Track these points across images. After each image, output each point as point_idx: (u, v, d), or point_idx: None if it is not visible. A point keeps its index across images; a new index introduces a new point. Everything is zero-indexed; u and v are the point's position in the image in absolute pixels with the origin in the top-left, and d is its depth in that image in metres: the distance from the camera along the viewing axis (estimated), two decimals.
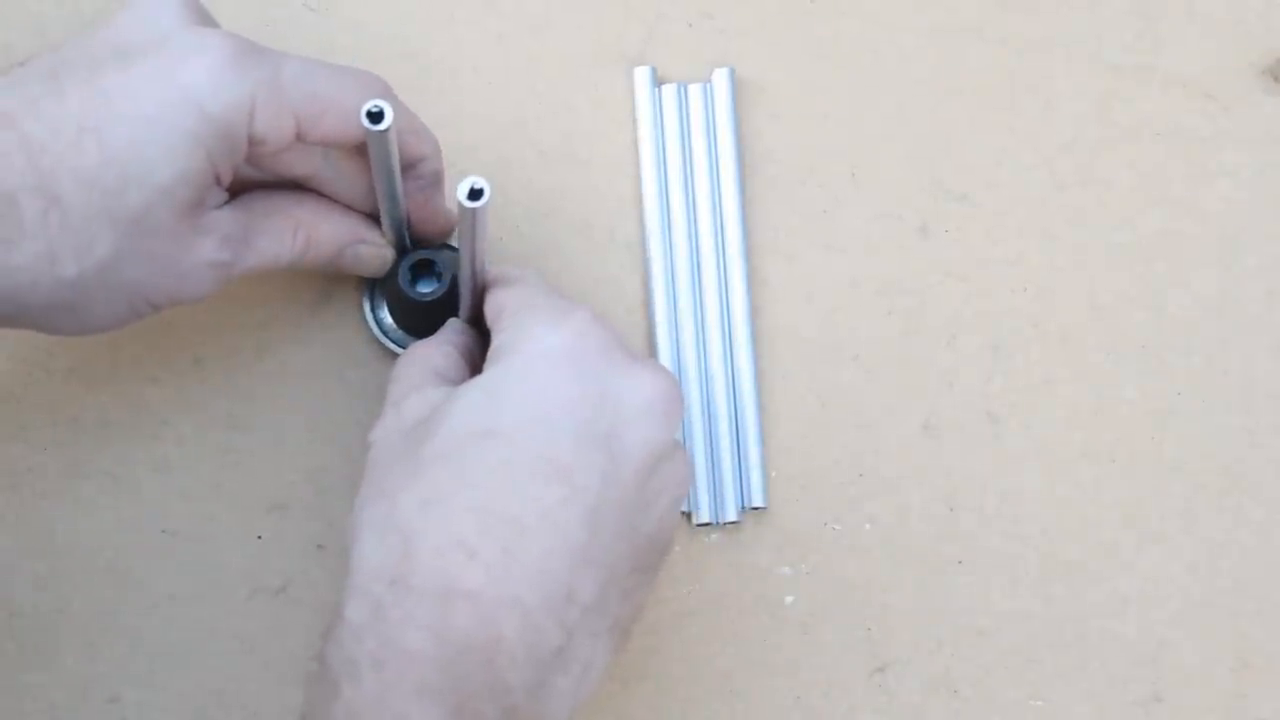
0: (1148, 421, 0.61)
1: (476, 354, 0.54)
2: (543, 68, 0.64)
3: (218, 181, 0.50)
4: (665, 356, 0.60)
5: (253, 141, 0.50)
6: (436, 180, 0.56)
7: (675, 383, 0.49)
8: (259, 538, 0.58)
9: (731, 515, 0.59)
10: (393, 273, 0.57)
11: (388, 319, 0.60)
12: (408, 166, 0.54)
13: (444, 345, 0.54)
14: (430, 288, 0.57)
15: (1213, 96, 0.65)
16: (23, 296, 0.48)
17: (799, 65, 0.64)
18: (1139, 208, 0.64)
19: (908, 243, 0.63)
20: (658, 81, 0.63)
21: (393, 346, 0.59)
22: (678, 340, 0.61)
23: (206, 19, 0.52)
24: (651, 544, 0.48)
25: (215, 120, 0.48)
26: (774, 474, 0.60)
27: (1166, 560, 0.60)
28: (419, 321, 0.59)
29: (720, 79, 0.63)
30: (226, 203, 0.52)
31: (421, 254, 0.57)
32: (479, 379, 0.48)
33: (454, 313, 0.58)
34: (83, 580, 0.58)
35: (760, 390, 0.61)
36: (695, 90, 0.63)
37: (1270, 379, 0.62)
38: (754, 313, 0.61)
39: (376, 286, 0.60)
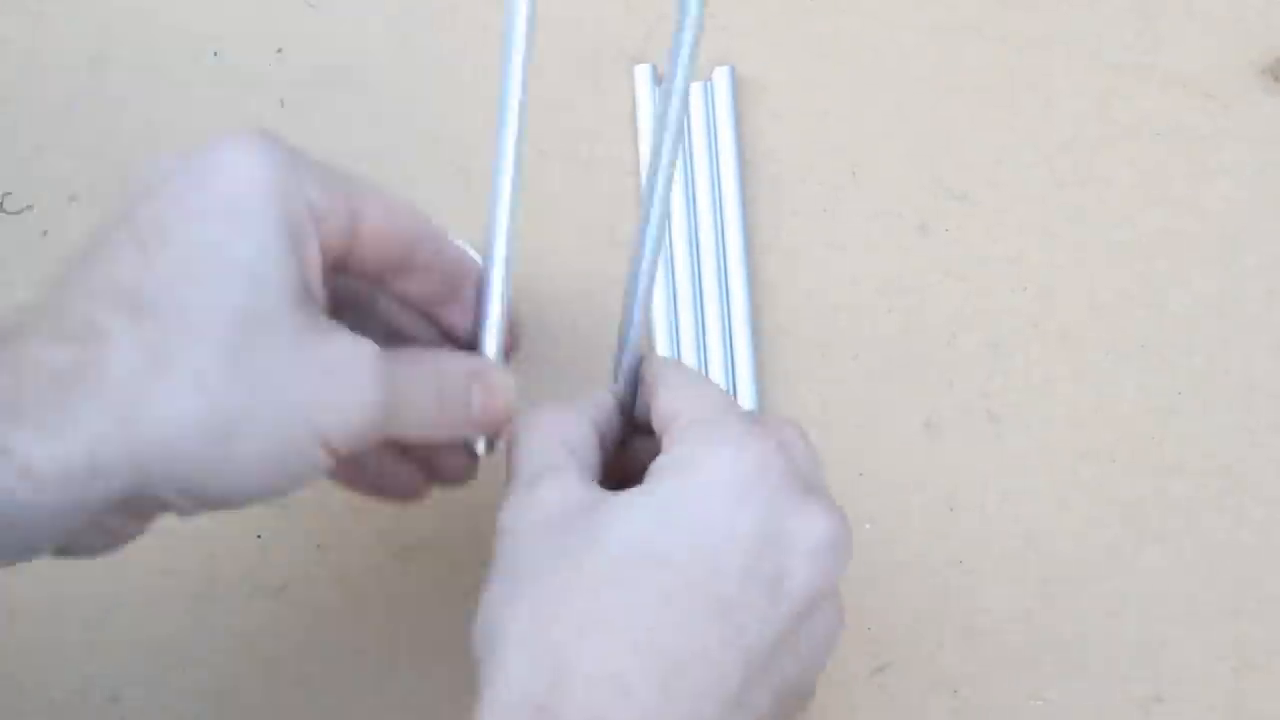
0: (1148, 421, 0.61)
1: (614, 435, 0.51)
2: (543, 66, 0.64)
3: (307, 267, 0.44)
4: (665, 356, 0.60)
5: (312, 210, 0.44)
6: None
7: (848, 525, 0.46)
8: (259, 537, 0.58)
9: None
10: None
11: None
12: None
13: (579, 418, 0.49)
14: None
15: (1212, 95, 0.65)
16: (139, 413, 0.39)
17: (799, 63, 0.64)
18: (1139, 206, 0.64)
19: (908, 241, 0.63)
20: (658, 79, 0.63)
21: None
22: (678, 340, 0.61)
23: None
24: (793, 690, 0.45)
25: (272, 184, 0.43)
26: None
27: (1166, 560, 0.60)
28: None
29: (721, 77, 0.63)
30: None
31: None
32: (648, 493, 0.45)
33: None
34: (81, 578, 0.57)
35: (760, 390, 0.60)
36: (696, 88, 0.63)
37: (1270, 379, 0.62)
38: (754, 312, 0.61)
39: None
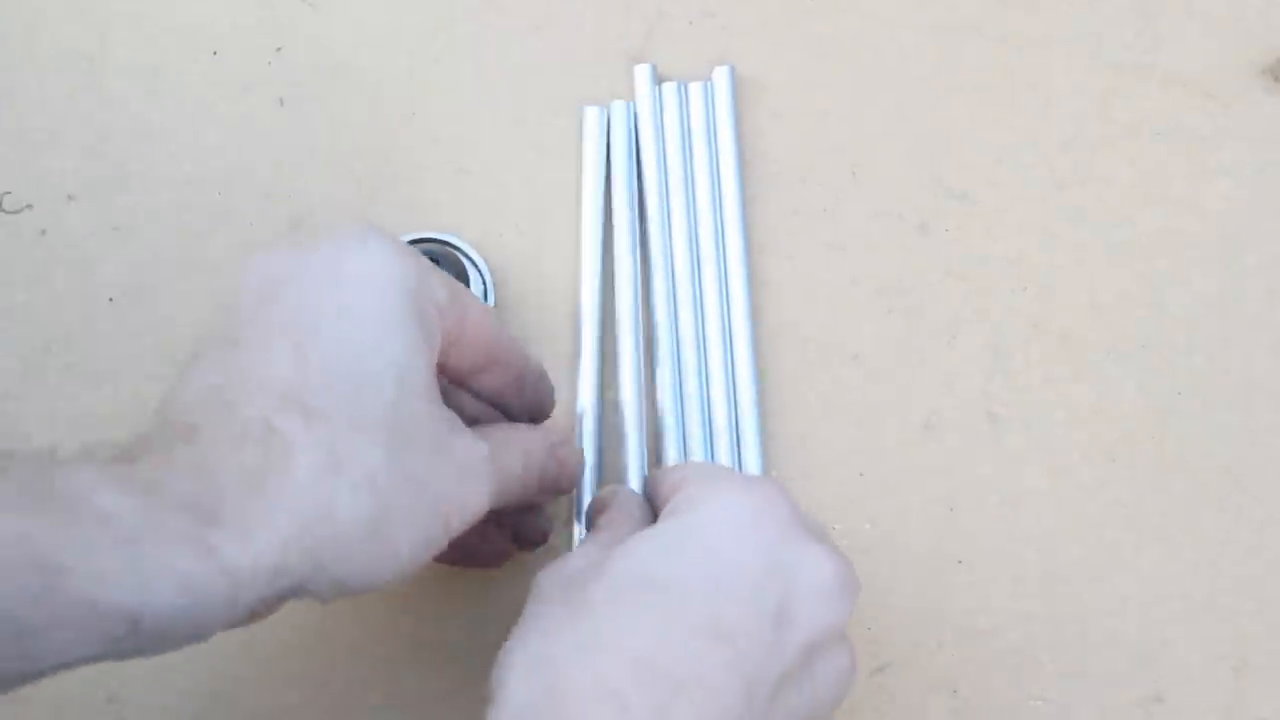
0: (1148, 421, 0.61)
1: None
2: (544, 65, 0.64)
3: (433, 360, 0.46)
4: (665, 356, 0.60)
5: (439, 308, 0.46)
6: (544, 381, 0.55)
7: (852, 569, 0.47)
8: None
9: None
10: None
11: None
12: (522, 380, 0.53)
13: (623, 511, 0.52)
14: None
15: (1212, 95, 0.65)
16: (324, 513, 0.41)
17: (799, 63, 0.64)
18: (1139, 206, 0.64)
19: (908, 241, 0.63)
20: (658, 79, 0.63)
21: None
22: (678, 339, 0.61)
23: None
24: None
25: (407, 282, 0.45)
26: (774, 474, 0.60)
27: (1166, 560, 0.60)
28: None
29: (721, 77, 0.63)
30: None
31: (424, 253, 0.57)
32: (653, 529, 0.46)
33: None
34: None
35: (760, 390, 0.60)
36: (696, 88, 0.63)
37: (1270, 378, 0.62)
38: (754, 312, 0.61)
39: None
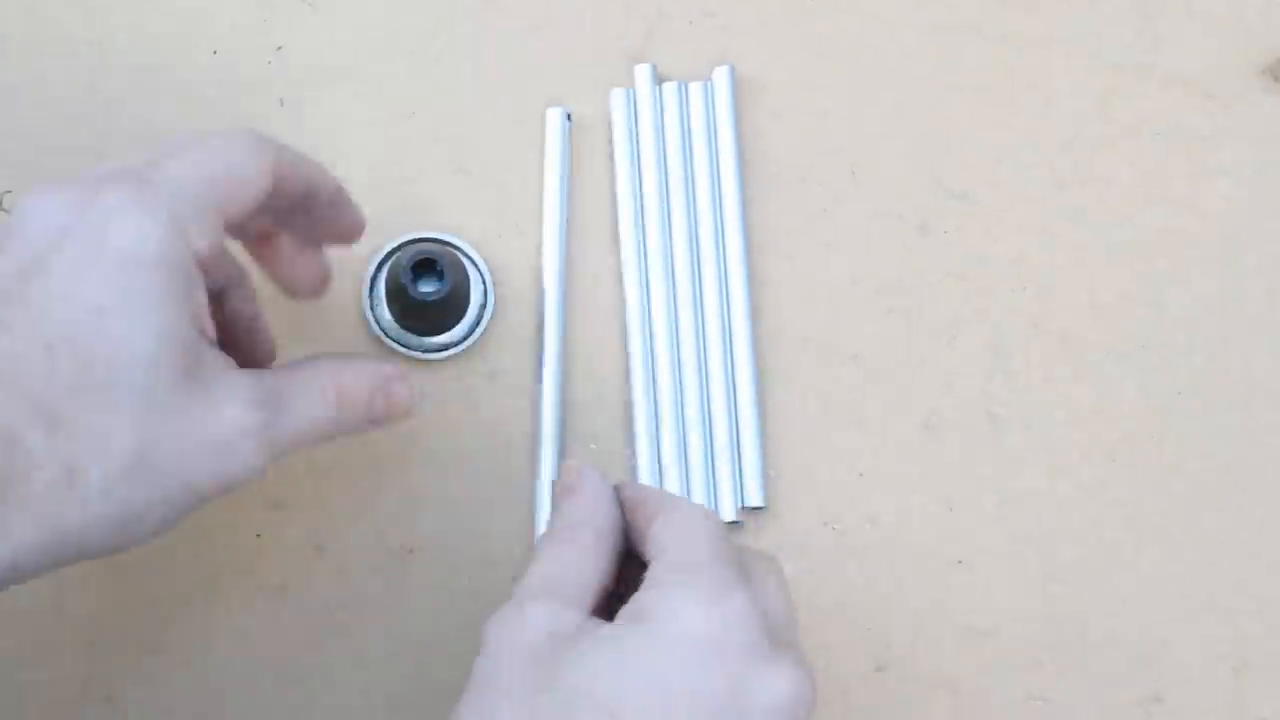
0: (1148, 421, 0.61)
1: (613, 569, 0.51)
2: (544, 65, 0.64)
3: (204, 334, 0.46)
4: (664, 356, 0.60)
5: (203, 262, 0.46)
6: (341, 199, 0.53)
7: (812, 683, 0.45)
8: (258, 536, 0.58)
9: (730, 515, 0.59)
10: (394, 271, 0.57)
11: (387, 316, 0.60)
12: (314, 197, 0.51)
13: (597, 545, 0.50)
14: (432, 287, 0.57)
15: (1212, 95, 0.65)
16: (57, 524, 0.43)
17: (799, 63, 0.64)
18: (1139, 206, 0.64)
19: (908, 241, 0.63)
20: (658, 79, 0.63)
21: (392, 344, 0.59)
22: (677, 339, 0.61)
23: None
24: None
25: (165, 250, 0.44)
26: (774, 474, 0.60)
27: (1166, 560, 0.60)
28: (419, 320, 0.59)
29: (721, 77, 0.63)
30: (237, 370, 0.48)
31: (424, 253, 0.57)
32: (614, 637, 0.45)
33: (455, 313, 0.59)
34: (81, 579, 0.57)
35: (760, 390, 0.60)
36: (696, 88, 0.63)
37: (1270, 379, 0.62)
38: (754, 312, 0.61)
39: (376, 284, 0.60)
